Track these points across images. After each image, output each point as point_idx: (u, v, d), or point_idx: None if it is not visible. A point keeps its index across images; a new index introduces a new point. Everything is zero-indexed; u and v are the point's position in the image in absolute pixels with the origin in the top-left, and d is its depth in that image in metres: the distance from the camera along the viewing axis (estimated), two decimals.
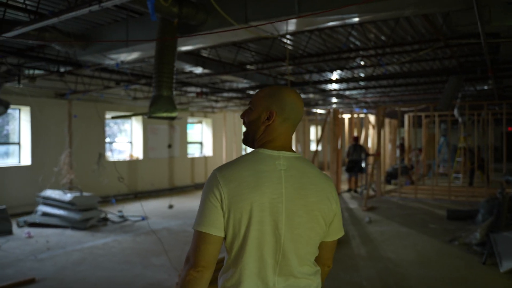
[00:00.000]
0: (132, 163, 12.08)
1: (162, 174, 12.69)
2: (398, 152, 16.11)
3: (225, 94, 12.78)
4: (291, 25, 4.31)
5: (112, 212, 8.76)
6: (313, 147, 17.93)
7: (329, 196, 1.51)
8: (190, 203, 10.97)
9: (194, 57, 6.82)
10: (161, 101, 3.96)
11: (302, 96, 12.79)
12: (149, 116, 4.12)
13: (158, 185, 12.31)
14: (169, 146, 12.55)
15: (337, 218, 1.56)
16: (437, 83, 9.70)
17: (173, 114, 4.00)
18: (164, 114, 3.95)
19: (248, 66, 7.81)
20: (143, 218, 8.55)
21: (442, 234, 7.13)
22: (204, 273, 1.42)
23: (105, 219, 8.30)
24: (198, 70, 7.13)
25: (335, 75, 9.94)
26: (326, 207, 1.50)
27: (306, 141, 15.93)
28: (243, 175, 1.44)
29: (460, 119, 11.61)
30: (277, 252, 1.44)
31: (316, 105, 14.71)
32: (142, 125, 12.32)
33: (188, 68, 7.01)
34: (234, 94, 12.82)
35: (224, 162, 14.74)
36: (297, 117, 1.56)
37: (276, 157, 1.48)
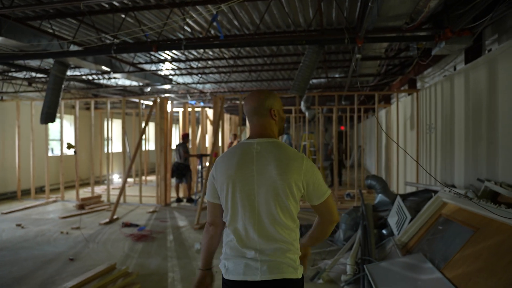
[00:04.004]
0: None
1: None
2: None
3: (17, 74, 9.04)
4: None
5: None
6: (151, 145, 14.76)
7: (293, 169, 1.81)
8: None
9: None
10: None
11: (126, 82, 9.84)
12: None
13: None
14: None
15: (311, 186, 1.86)
16: (287, 65, 7.87)
17: None
18: None
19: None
20: None
21: None
22: (213, 228, 2.03)
23: None
24: None
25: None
26: (289, 177, 1.80)
27: (134, 136, 13.00)
28: (225, 159, 1.92)
29: (307, 114, 10.12)
30: (254, 214, 1.83)
31: (142, 94, 11.84)
32: None
33: None
34: (33, 74, 9.17)
35: (17, 168, 10.85)
36: (250, 110, 1.95)
37: (252, 143, 1.91)
